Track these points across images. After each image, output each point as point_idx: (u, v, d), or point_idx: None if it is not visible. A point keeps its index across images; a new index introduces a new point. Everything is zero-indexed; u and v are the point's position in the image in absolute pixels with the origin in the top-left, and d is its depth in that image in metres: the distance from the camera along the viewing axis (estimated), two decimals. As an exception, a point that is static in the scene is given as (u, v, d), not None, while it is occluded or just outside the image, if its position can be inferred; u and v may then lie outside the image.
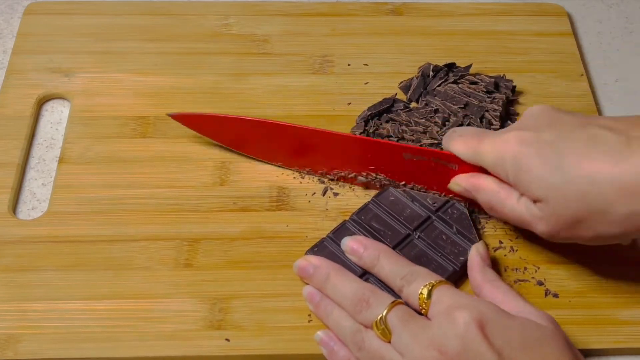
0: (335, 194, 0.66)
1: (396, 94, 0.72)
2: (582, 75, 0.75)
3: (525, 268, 0.62)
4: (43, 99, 0.72)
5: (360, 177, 0.65)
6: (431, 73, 0.73)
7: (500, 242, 0.64)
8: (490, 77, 0.72)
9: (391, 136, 0.68)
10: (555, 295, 0.61)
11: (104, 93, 0.72)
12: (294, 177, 0.67)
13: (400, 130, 0.68)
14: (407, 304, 0.55)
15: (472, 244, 0.60)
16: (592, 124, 0.56)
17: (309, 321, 0.59)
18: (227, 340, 0.58)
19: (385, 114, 0.70)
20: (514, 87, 0.73)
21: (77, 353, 0.57)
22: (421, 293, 0.54)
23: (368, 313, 0.54)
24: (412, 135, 0.68)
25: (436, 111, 0.69)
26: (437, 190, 0.64)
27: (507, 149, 0.56)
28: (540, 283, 0.61)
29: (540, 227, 0.56)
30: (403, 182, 0.64)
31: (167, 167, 0.67)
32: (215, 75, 0.74)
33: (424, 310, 0.54)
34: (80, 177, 0.67)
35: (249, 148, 0.67)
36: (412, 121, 0.69)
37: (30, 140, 0.70)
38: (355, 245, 0.60)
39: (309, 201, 0.66)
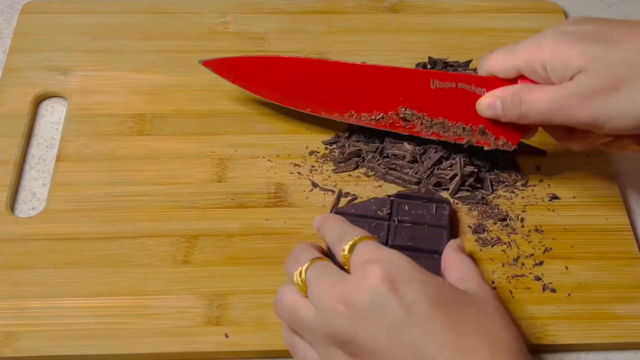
0: (346, 194, 0.66)
1: None
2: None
3: (523, 264, 0.62)
4: (40, 97, 0.72)
5: (387, 117, 0.65)
6: (429, 66, 0.73)
7: (498, 237, 0.64)
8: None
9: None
10: (553, 290, 0.61)
11: (101, 91, 0.72)
12: (291, 173, 0.67)
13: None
14: (338, 264, 0.54)
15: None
16: (633, 21, 0.57)
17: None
18: (227, 336, 0.58)
19: None
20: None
21: (75, 350, 0.57)
22: (343, 249, 0.53)
23: (292, 266, 0.53)
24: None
25: None
26: (465, 122, 0.64)
27: (546, 43, 0.57)
28: (538, 278, 0.62)
29: (571, 101, 0.56)
30: (431, 118, 0.64)
31: (165, 164, 0.67)
32: (212, 72, 0.74)
33: (346, 266, 0.53)
34: (78, 174, 0.67)
35: (277, 92, 0.67)
36: None
37: (27, 138, 0.70)
38: (315, 221, 0.58)
39: (307, 197, 0.66)
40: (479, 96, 0.62)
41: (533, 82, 0.60)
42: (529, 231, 0.64)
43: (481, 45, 0.77)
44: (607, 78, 0.54)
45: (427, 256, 0.59)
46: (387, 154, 0.67)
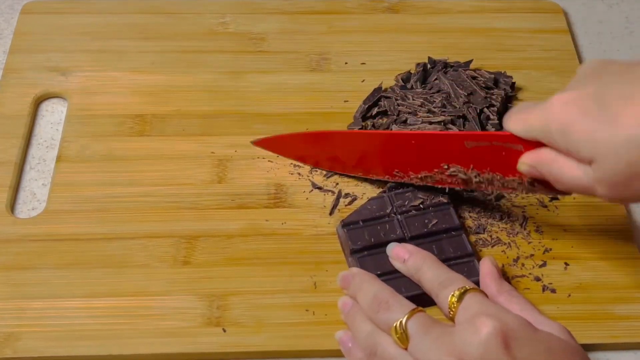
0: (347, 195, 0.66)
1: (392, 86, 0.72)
2: (578, 72, 0.75)
3: (523, 264, 0.62)
4: (40, 97, 0.72)
5: (433, 175, 0.63)
6: (429, 66, 0.73)
7: (498, 238, 0.64)
8: (490, 73, 0.72)
9: (388, 113, 0.69)
10: (553, 291, 0.61)
11: (101, 91, 0.72)
12: (291, 174, 0.67)
13: (396, 105, 0.69)
14: (441, 308, 0.54)
15: (472, 257, 0.61)
16: (637, 64, 0.52)
17: (312, 312, 0.59)
18: (224, 330, 0.58)
19: (380, 101, 0.71)
20: (514, 83, 0.73)
21: (76, 350, 0.57)
22: (452, 296, 0.53)
23: (386, 315, 0.53)
24: (408, 108, 0.68)
25: (438, 92, 0.69)
26: (512, 175, 0.60)
27: (552, 114, 0.53)
28: (538, 279, 0.62)
29: (600, 190, 0.52)
30: (475, 171, 0.61)
31: (165, 165, 0.67)
32: (212, 73, 0.74)
33: (452, 313, 0.53)
34: (78, 175, 0.67)
35: (329, 163, 0.67)
36: (408, 96, 0.69)
37: (28, 139, 0.70)
38: (401, 252, 0.59)
39: (307, 198, 0.66)
40: (518, 152, 0.58)
41: None
42: (529, 232, 0.64)
43: (481, 45, 0.77)
44: (620, 169, 0.51)
45: (454, 260, 0.61)
46: None
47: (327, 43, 0.77)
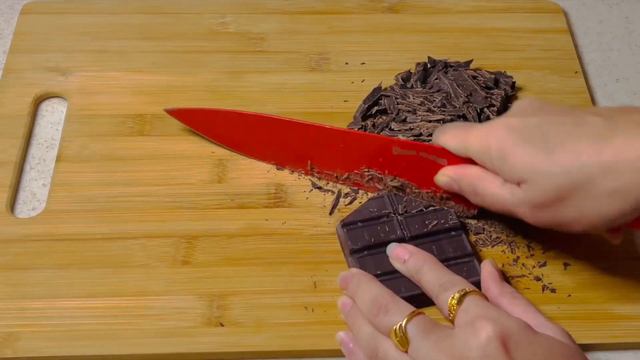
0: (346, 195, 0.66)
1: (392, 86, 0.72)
2: (577, 72, 0.75)
3: (523, 264, 0.62)
4: (40, 97, 0.72)
5: (351, 176, 0.65)
6: (429, 65, 0.73)
7: (498, 238, 0.64)
8: (491, 73, 0.72)
9: (387, 112, 0.69)
10: (553, 291, 0.61)
11: (101, 91, 0.72)
12: (292, 174, 0.67)
13: (396, 104, 0.69)
14: (441, 310, 0.54)
15: (471, 257, 0.61)
16: (578, 110, 0.57)
17: (312, 312, 0.59)
18: (222, 325, 0.58)
19: (380, 100, 0.71)
20: (514, 83, 0.73)
21: (76, 351, 0.57)
22: (452, 298, 0.53)
23: (386, 319, 0.53)
24: (408, 106, 0.68)
25: (438, 91, 0.69)
26: (426, 188, 0.63)
27: (493, 135, 0.57)
28: (538, 279, 0.62)
29: (524, 210, 0.56)
30: (394, 176, 0.64)
31: (165, 165, 0.68)
32: (212, 73, 0.74)
33: (451, 315, 0.53)
34: (78, 175, 0.67)
35: (242, 145, 0.67)
36: (408, 95, 0.69)
37: (27, 139, 0.70)
38: (401, 252, 0.59)
39: (307, 198, 0.66)
40: (441, 166, 0.62)
41: None
42: (529, 231, 0.64)
43: (481, 45, 0.77)
44: (550, 191, 0.54)
45: (455, 261, 0.61)
46: None
47: (327, 43, 0.77)
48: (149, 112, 0.71)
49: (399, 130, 0.68)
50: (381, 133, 0.68)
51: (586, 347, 0.59)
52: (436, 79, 0.71)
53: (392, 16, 0.80)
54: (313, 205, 0.65)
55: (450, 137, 0.60)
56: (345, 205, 0.65)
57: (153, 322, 0.59)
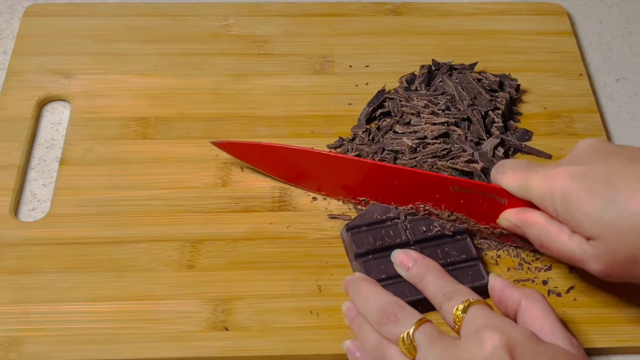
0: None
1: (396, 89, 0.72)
2: (581, 74, 0.75)
3: (529, 268, 0.62)
4: (43, 100, 0.72)
5: (404, 207, 0.63)
6: (433, 68, 0.73)
7: (503, 242, 0.64)
8: (495, 75, 0.72)
9: (391, 114, 0.69)
10: (558, 295, 0.61)
11: (104, 94, 0.72)
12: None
13: (400, 106, 0.69)
14: (445, 320, 0.54)
15: (476, 261, 0.61)
16: None
17: (317, 316, 0.59)
18: (226, 329, 0.58)
19: (384, 102, 0.71)
20: (519, 86, 0.72)
21: (80, 355, 0.57)
22: (457, 309, 0.53)
23: (395, 327, 0.53)
24: (412, 109, 0.68)
25: (442, 94, 0.69)
26: (485, 223, 0.62)
27: (557, 183, 0.55)
28: (545, 282, 0.61)
29: (595, 266, 0.55)
30: (451, 211, 0.62)
31: (169, 168, 0.67)
32: (215, 76, 0.74)
33: (457, 326, 0.53)
34: (82, 178, 0.66)
35: (293, 178, 0.66)
36: (413, 97, 0.69)
37: (31, 142, 0.70)
38: (405, 259, 0.59)
39: (311, 201, 0.66)
40: (500, 204, 0.60)
41: None
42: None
43: (485, 47, 0.77)
44: (622, 251, 0.53)
45: (459, 265, 0.61)
46: (389, 150, 0.67)
47: (330, 46, 0.77)
48: (153, 115, 0.71)
49: (403, 133, 0.67)
50: (385, 136, 0.68)
51: (592, 352, 0.59)
52: (440, 81, 0.71)
53: (396, 19, 0.80)
54: (317, 209, 0.65)
55: (510, 178, 0.58)
56: (349, 209, 0.65)
57: (157, 327, 0.59)
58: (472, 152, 0.66)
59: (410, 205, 0.63)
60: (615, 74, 0.77)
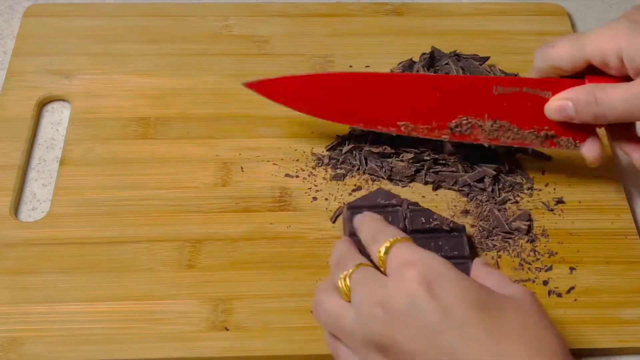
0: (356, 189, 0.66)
1: None
2: (582, 74, 0.75)
3: (529, 268, 0.62)
4: (43, 101, 0.72)
5: (447, 127, 0.63)
6: (435, 55, 0.73)
7: (506, 241, 0.64)
8: (503, 72, 0.72)
9: None
10: (559, 295, 0.61)
11: (104, 95, 0.72)
12: (297, 177, 0.67)
13: None
14: (374, 263, 0.53)
15: (467, 259, 0.60)
16: None
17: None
18: (227, 329, 0.58)
19: None
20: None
21: (80, 355, 0.57)
22: (379, 251, 0.52)
23: (339, 273, 0.52)
24: None
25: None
26: (529, 127, 0.61)
27: (621, 35, 0.56)
28: (545, 283, 0.61)
29: None
30: (494, 120, 0.61)
31: (169, 168, 0.67)
32: (216, 76, 0.74)
33: (382, 268, 0.52)
34: (82, 179, 0.66)
35: (328, 110, 0.65)
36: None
37: (31, 142, 0.70)
38: (357, 223, 0.57)
39: (312, 201, 0.66)
40: (545, 100, 0.60)
41: (602, 78, 0.59)
42: (535, 235, 0.64)
43: (485, 47, 0.77)
44: None
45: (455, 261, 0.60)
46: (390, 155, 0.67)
47: (331, 46, 0.77)
48: (153, 115, 0.71)
49: None
50: None
51: (593, 352, 0.59)
52: (446, 63, 0.71)
53: (396, 19, 0.80)
54: (317, 209, 0.65)
55: (562, 49, 0.59)
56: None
57: (157, 327, 0.59)
58: None
59: (454, 120, 0.62)
60: (616, 74, 0.77)
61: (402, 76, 0.63)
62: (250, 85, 0.66)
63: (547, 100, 0.60)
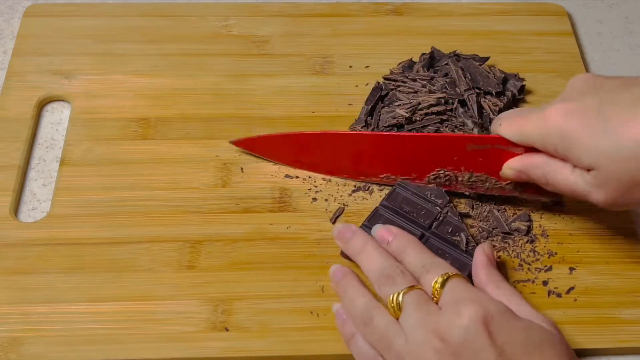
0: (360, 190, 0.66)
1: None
2: (582, 75, 0.75)
3: (528, 269, 0.62)
4: (43, 101, 0.72)
5: (425, 178, 0.64)
6: (435, 55, 0.73)
7: (506, 242, 0.64)
8: (503, 72, 0.72)
9: (391, 100, 0.69)
10: (559, 295, 0.61)
11: (104, 95, 0.72)
12: (297, 178, 0.67)
13: (395, 86, 0.69)
14: (424, 291, 0.55)
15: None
16: (634, 85, 0.55)
17: (317, 316, 0.59)
18: (227, 329, 0.58)
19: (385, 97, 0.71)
20: (523, 87, 0.73)
21: (80, 355, 0.57)
22: (435, 282, 0.54)
23: (390, 289, 0.54)
24: (410, 88, 0.69)
25: (444, 76, 0.70)
26: (505, 179, 0.62)
27: (552, 122, 0.56)
28: (545, 283, 0.61)
29: (597, 196, 0.55)
30: (470, 172, 0.63)
31: (169, 169, 0.67)
32: (215, 76, 0.74)
33: (435, 299, 0.54)
34: (82, 179, 0.66)
35: (314, 164, 0.67)
36: (409, 77, 0.70)
37: (31, 142, 0.70)
38: (385, 234, 0.60)
39: (311, 202, 0.66)
40: (518, 155, 0.61)
41: None
42: (535, 236, 0.64)
43: (485, 48, 0.77)
44: (622, 178, 0.53)
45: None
46: (384, 127, 0.67)
47: (331, 46, 0.77)
48: (153, 115, 0.71)
49: (398, 105, 0.68)
50: (381, 111, 0.68)
51: (593, 352, 0.59)
52: (446, 64, 0.71)
53: (396, 19, 0.80)
54: (317, 210, 0.65)
55: (507, 126, 0.60)
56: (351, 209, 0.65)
57: (157, 327, 0.59)
58: (473, 128, 0.66)
59: (431, 174, 0.63)
60: (615, 74, 0.77)
61: (379, 135, 0.64)
62: (237, 143, 0.68)
63: (519, 154, 0.61)
